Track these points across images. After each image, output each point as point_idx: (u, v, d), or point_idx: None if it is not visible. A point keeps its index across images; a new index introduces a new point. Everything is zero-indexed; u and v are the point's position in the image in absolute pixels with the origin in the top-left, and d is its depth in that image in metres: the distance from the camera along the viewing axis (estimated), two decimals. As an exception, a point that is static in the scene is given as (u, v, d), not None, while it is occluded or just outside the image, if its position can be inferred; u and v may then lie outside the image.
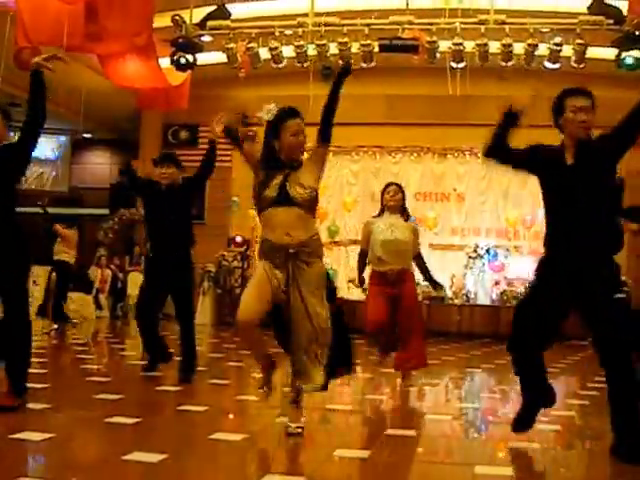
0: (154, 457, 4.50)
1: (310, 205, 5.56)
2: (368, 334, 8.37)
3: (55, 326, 14.12)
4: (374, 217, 8.77)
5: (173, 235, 8.24)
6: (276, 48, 14.27)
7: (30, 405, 5.98)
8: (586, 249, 5.04)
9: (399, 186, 8.76)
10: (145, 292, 8.43)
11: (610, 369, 4.96)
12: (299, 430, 5.36)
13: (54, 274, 15.38)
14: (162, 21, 13.93)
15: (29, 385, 6.54)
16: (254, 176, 5.64)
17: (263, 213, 5.52)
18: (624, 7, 12.88)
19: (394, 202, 8.50)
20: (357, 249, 19.36)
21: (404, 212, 8.62)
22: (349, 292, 18.27)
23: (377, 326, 8.20)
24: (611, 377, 4.97)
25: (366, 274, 8.70)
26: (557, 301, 5.12)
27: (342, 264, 18.95)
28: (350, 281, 16.73)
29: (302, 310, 5.40)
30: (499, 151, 5.45)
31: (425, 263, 8.75)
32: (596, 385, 8.61)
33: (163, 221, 8.25)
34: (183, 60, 14.30)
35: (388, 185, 8.77)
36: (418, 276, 8.83)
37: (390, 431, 5.88)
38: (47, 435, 4.94)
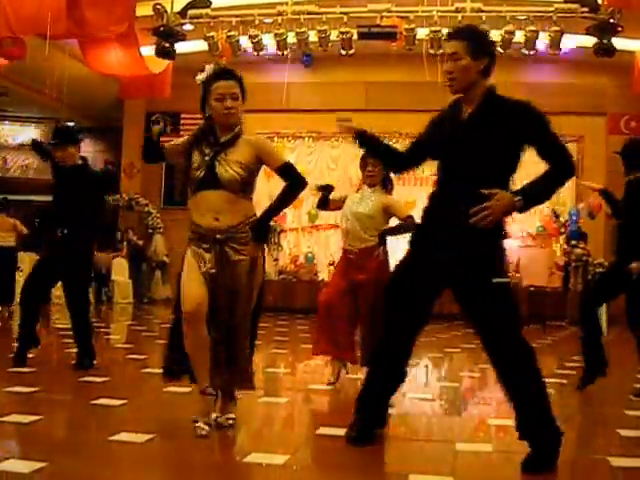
0: (140, 437, 4.60)
1: (242, 187, 4.88)
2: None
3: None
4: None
5: (72, 221, 7.53)
6: (256, 36, 14.44)
7: (17, 388, 6.08)
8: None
9: None
10: (35, 276, 7.73)
11: (497, 363, 4.45)
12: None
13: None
14: (144, 10, 14.02)
15: (15, 370, 6.73)
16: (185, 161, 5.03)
17: (192, 197, 4.95)
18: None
19: (371, 178, 7.22)
20: (337, 233, 19.62)
21: (387, 185, 7.34)
22: (330, 275, 18.49)
23: (323, 305, 7.09)
24: (499, 370, 4.46)
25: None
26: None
27: (322, 248, 19.18)
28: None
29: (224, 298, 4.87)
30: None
31: (402, 225, 7.02)
32: (574, 365, 8.80)
33: (64, 203, 7.61)
34: (165, 48, 14.40)
35: (365, 157, 7.14)
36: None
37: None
38: (35, 417, 5.03)
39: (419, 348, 9.48)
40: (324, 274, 18.56)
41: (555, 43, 13.87)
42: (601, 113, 17.96)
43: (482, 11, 13.66)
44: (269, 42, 14.79)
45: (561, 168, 4.31)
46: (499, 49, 14.22)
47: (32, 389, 6.14)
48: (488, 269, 4.37)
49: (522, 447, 4.59)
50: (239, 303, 4.86)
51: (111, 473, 4.03)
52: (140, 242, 19.66)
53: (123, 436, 4.63)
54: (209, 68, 5.00)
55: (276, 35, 14.49)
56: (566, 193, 17.99)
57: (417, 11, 13.91)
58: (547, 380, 7.52)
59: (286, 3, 14.10)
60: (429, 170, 18.62)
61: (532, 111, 4.35)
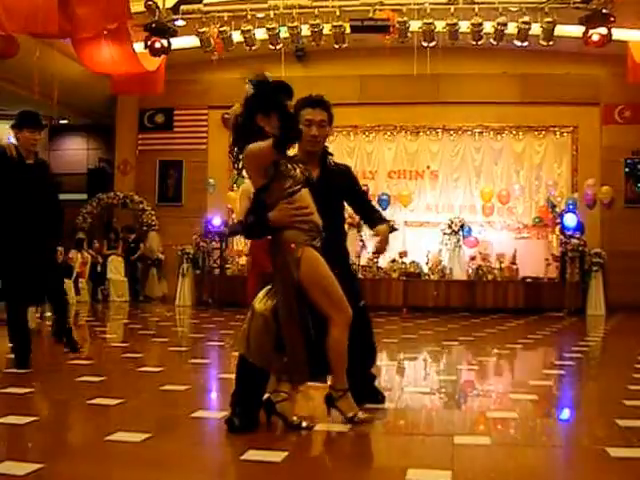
0: (137, 437, 4.57)
1: None
2: None
3: None
4: None
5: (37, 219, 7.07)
6: (248, 31, 14.41)
7: (14, 389, 6.06)
8: None
9: None
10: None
11: None
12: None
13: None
14: (136, 6, 13.98)
15: (12, 370, 6.70)
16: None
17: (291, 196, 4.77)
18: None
19: None
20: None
21: None
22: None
23: None
24: None
25: None
26: None
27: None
28: None
29: None
30: None
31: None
32: (572, 355, 8.79)
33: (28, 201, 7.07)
34: (157, 45, 14.39)
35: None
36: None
37: (370, 405, 5.79)
38: (32, 418, 5.02)
39: (417, 341, 9.49)
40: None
41: (548, 34, 13.85)
42: (595, 103, 17.93)
43: (474, 3, 13.64)
44: (261, 36, 14.74)
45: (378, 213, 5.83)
46: (492, 41, 14.23)
47: (28, 390, 6.13)
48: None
49: (521, 440, 4.57)
50: None
51: (108, 473, 4.01)
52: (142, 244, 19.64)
53: (120, 435, 4.61)
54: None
55: (268, 30, 14.46)
56: (563, 184, 18.01)
57: (410, 3, 13.88)
58: (545, 371, 7.62)
59: (278, -3, 14.09)
60: (425, 165, 18.98)
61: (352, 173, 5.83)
